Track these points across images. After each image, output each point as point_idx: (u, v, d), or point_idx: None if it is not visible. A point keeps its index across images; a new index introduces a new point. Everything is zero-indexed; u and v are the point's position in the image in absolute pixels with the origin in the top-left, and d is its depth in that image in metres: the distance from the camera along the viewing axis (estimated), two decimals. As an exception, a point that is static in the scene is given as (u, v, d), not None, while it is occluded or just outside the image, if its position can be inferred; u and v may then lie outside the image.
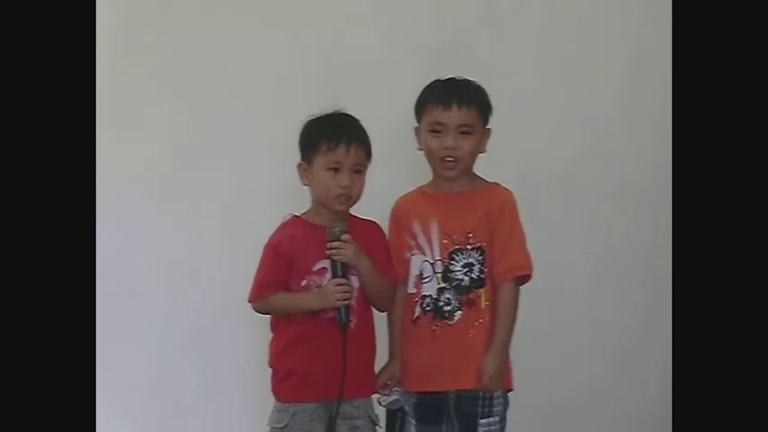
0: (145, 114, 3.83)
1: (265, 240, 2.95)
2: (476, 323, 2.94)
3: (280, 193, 3.00)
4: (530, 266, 2.96)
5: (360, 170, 2.92)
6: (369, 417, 2.95)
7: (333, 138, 2.88)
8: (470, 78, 3.01)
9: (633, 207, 3.87)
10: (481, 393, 2.92)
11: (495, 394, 2.93)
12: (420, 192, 3.06)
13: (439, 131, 2.95)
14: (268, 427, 2.93)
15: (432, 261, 2.98)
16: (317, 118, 2.97)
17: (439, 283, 2.96)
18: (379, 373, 2.99)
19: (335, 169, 2.89)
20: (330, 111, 2.97)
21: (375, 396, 2.98)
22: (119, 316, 3.80)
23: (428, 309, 2.97)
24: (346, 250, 2.87)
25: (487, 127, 3.01)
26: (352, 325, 2.89)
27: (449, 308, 2.95)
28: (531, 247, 2.97)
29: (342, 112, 2.97)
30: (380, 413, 2.98)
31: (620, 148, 3.87)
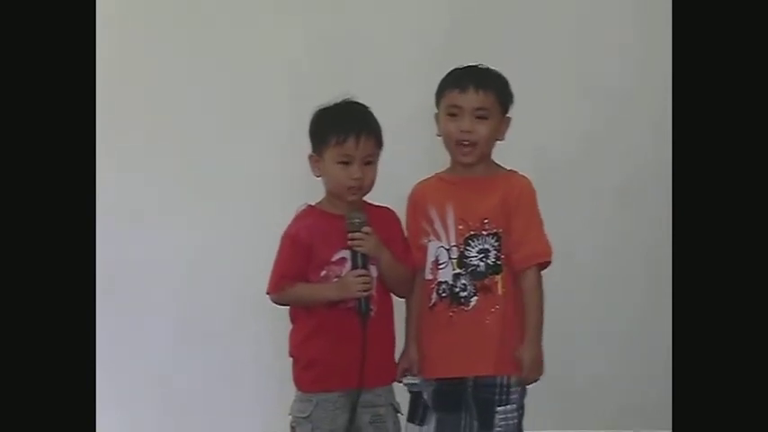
0: (152, 109, 3.86)
1: (281, 230, 2.94)
2: (492, 309, 2.92)
3: (294, 182, 3.00)
4: (549, 253, 2.95)
5: (370, 161, 2.91)
6: (391, 404, 2.95)
7: (342, 131, 2.86)
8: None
9: (640, 196, 3.86)
10: (498, 380, 2.91)
11: (512, 381, 2.91)
12: (438, 178, 3.05)
13: (456, 114, 2.94)
14: (290, 417, 2.93)
15: (447, 247, 2.96)
16: (326, 108, 2.95)
17: (454, 269, 2.95)
18: (399, 360, 2.99)
19: (346, 162, 2.87)
20: (339, 99, 2.95)
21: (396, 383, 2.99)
22: (134, 309, 3.86)
23: (444, 295, 2.96)
24: (367, 242, 2.86)
25: (507, 115, 2.99)
26: (371, 314, 2.88)
27: (465, 294, 2.94)
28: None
29: (351, 100, 2.95)
30: (402, 401, 2.98)
31: (629, 136, 3.86)
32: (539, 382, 2.97)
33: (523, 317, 2.93)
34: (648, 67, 3.77)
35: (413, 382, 2.98)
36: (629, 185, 3.86)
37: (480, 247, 2.94)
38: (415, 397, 3.00)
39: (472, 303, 2.93)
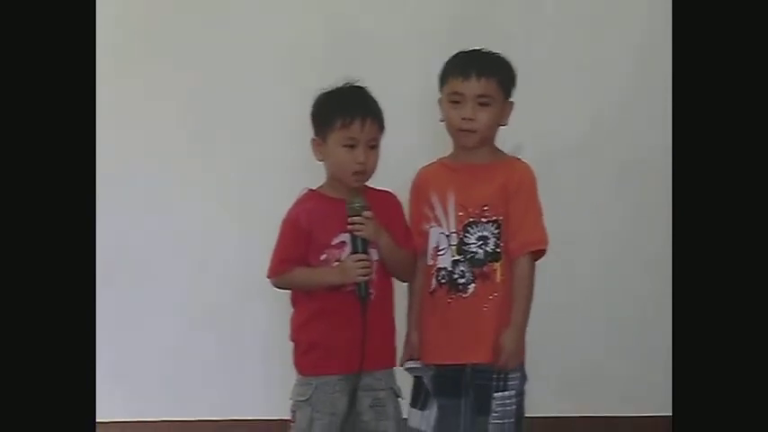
0: (155, 91, 3.85)
1: (283, 214, 2.94)
2: (490, 297, 2.93)
3: (296, 166, 3.00)
4: (544, 241, 2.94)
5: (374, 145, 2.91)
6: (391, 389, 2.95)
7: (347, 114, 2.86)
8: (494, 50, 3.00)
9: (646, 181, 3.85)
10: (496, 367, 2.90)
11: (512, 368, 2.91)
12: (440, 163, 3.05)
13: (458, 101, 2.94)
14: (291, 401, 2.93)
15: (447, 233, 2.96)
16: (329, 92, 2.94)
17: (453, 256, 2.95)
18: (404, 346, 3.00)
19: (351, 146, 2.87)
20: (341, 83, 2.94)
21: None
22: (137, 292, 3.86)
23: (443, 281, 2.96)
24: (367, 226, 2.86)
25: (510, 100, 2.99)
26: (371, 297, 2.89)
27: (463, 281, 2.94)
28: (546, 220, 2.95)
29: (353, 84, 2.95)
30: (403, 386, 2.98)
31: (631, 122, 3.86)
32: (540, 367, 2.98)
33: None
34: (651, 54, 3.76)
35: (414, 366, 2.99)
36: (629, 172, 3.87)
37: (479, 234, 2.94)
38: (418, 382, 3.01)
39: (470, 290, 2.93)
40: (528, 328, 2.96)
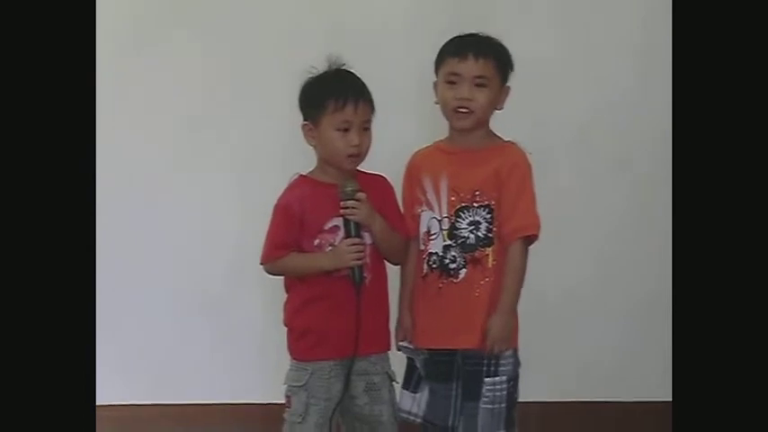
0: (152, 81, 3.84)
1: (276, 199, 2.93)
2: (482, 282, 2.91)
3: (292, 154, 2.98)
4: (536, 226, 2.92)
5: (367, 127, 2.89)
6: (386, 373, 2.95)
7: (340, 97, 2.84)
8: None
9: (642, 173, 3.87)
10: (486, 352, 2.89)
11: (503, 353, 2.90)
12: (435, 147, 3.04)
13: (454, 82, 2.92)
14: (285, 386, 2.92)
15: (439, 218, 2.95)
16: (318, 76, 2.92)
17: (445, 241, 2.94)
18: (396, 330, 2.99)
19: (345, 129, 2.85)
20: (327, 65, 2.92)
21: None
22: (132, 281, 3.85)
23: (435, 266, 2.95)
24: (360, 210, 2.85)
25: (507, 85, 2.98)
26: (365, 282, 2.88)
27: (454, 265, 2.93)
28: (541, 208, 2.94)
29: (339, 66, 2.93)
30: (397, 369, 2.98)
31: (635, 113, 3.86)
32: (538, 352, 2.98)
33: None
34: (650, 48, 3.78)
35: (408, 347, 2.98)
36: (629, 157, 3.88)
37: (471, 219, 2.93)
38: (410, 364, 3.01)
39: (461, 275, 2.92)
40: (526, 316, 2.95)
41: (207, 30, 3.84)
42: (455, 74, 2.93)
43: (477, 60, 2.91)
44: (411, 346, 2.98)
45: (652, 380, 3.72)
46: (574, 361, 3.87)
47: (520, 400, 2.98)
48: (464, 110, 2.92)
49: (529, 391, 3.04)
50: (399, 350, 3.00)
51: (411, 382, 3.00)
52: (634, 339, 3.88)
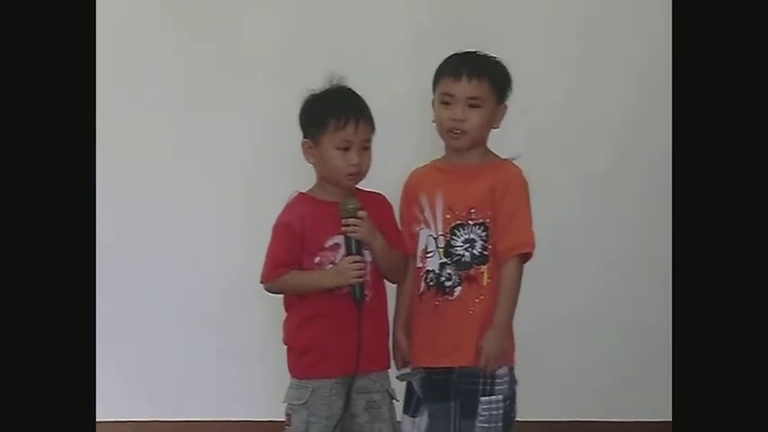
0: (152, 81, 3.85)
1: (275, 216, 2.92)
2: (476, 300, 2.92)
3: (287, 167, 2.98)
4: (531, 244, 2.92)
5: (367, 146, 2.90)
6: (386, 391, 2.94)
7: (341, 116, 2.84)
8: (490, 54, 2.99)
9: (646, 180, 3.89)
10: (480, 370, 2.89)
11: (498, 372, 2.90)
12: (432, 165, 3.04)
13: (449, 102, 2.93)
14: (285, 404, 2.91)
15: (435, 236, 2.96)
16: (318, 94, 2.92)
17: (441, 258, 2.94)
18: (392, 350, 2.98)
19: (345, 148, 2.85)
20: (327, 82, 2.93)
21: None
22: (132, 298, 3.86)
23: (431, 284, 2.96)
24: (362, 228, 2.85)
25: (504, 104, 2.97)
26: (366, 299, 2.88)
27: (449, 283, 2.93)
28: (539, 228, 2.94)
29: (340, 84, 2.93)
30: (397, 387, 2.98)
31: (635, 122, 3.88)
32: (534, 370, 2.97)
33: None
34: (650, 51, 3.79)
35: (406, 373, 2.98)
36: (628, 171, 3.90)
37: (466, 236, 2.93)
38: (410, 388, 3.00)
39: (456, 293, 2.92)
40: (525, 336, 2.96)
41: (207, 30, 3.87)
42: (449, 94, 2.93)
43: (471, 81, 2.91)
44: (409, 371, 2.97)
45: (652, 400, 3.73)
46: (574, 380, 3.88)
47: (519, 419, 2.97)
48: (457, 131, 2.93)
49: (528, 411, 3.04)
50: (399, 378, 2.99)
51: (411, 406, 2.99)
52: (634, 359, 3.88)
